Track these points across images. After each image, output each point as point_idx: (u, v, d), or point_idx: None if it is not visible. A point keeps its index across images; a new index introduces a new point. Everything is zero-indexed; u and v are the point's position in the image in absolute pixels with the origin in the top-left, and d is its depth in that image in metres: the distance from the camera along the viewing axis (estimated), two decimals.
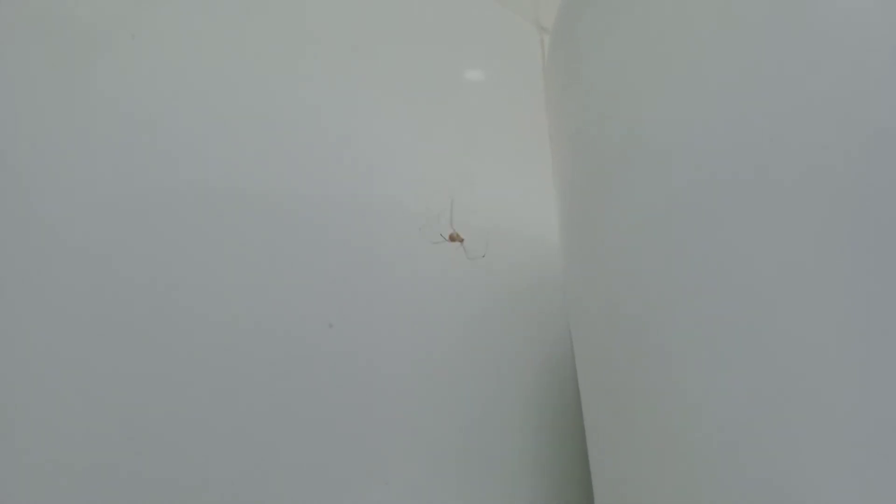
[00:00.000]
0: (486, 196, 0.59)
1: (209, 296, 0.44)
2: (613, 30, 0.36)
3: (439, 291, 0.55)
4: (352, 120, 0.55)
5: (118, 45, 0.45)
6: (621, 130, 0.35)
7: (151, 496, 0.39)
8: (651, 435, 0.33)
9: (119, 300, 0.41)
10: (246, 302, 0.45)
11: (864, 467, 0.24)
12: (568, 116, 0.42)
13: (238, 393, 0.44)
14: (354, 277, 0.51)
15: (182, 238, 0.44)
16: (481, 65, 0.69)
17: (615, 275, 0.36)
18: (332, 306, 0.49)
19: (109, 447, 0.39)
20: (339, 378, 0.48)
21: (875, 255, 0.24)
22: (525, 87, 0.69)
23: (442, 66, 0.64)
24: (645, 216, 0.33)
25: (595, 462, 0.42)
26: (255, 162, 0.48)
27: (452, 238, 0.55)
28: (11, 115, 0.40)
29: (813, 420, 0.25)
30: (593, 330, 0.40)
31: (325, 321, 0.48)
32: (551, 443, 0.57)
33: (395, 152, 0.56)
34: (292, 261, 0.48)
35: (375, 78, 0.57)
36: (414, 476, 0.49)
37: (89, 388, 0.39)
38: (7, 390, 0.37)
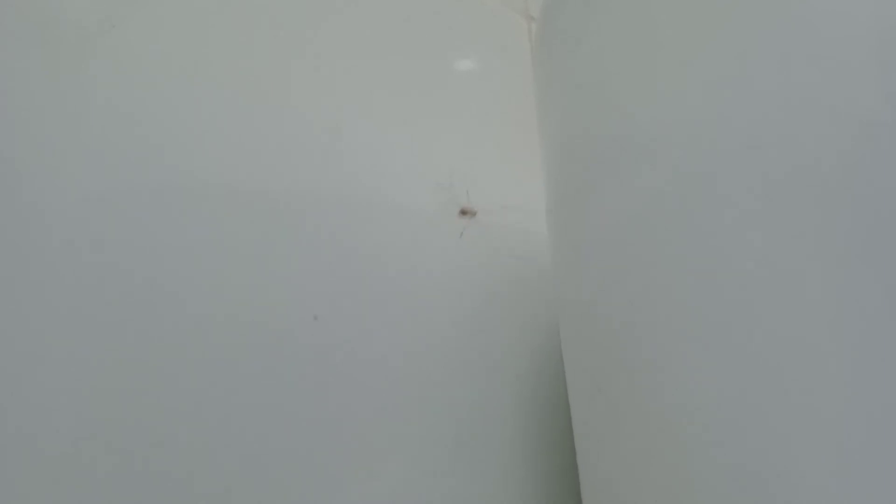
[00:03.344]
0: (473, 187, 0.59)
1: (195, 288, 0.44)
2: (597, 20, 0.36)
3: (426, 284, 0.55)
4: (338, 113, 0.54)
5: (110, 40, 0.44)
6: (607, 124, 0.35)
7: (136, 489, 0.39)
8: (638, 431, 0.33)
9: (105, 294, 0.41)
10: (231, 294, 0.45)
11: (855, 466, 0.24)
12: (554, 108, 0.41)
13: (223, 385, 0.43)
14: (340, 270, 0.50)
15: (169, 232, 0.44)
16: (468, 55, 0.69)
17: (602, 270, 0.36)
18: (317, 299, 0.48)
19: (94, 441, 0.38)
20: (324, 370, 0.48)
21: (864, 251, 0.24)
22: (513, 77, 0.68)
23: (428, 56, 0.64)
24: (631, 211, 0.33)
25: (582, 457, 0.42)
26: (242, 155, 0.48)
27: (464, 212, 0.54)
28: (5, 112, 0.40)
29: (802, 418, 0.25)
30: (580, 325, 0.39)
31: (310, 313, 0.48)
32: (540, 436, 0.57)
33: (381, 144, 0.56)
34: (277, 253, 0.48)
35: (362, 69, 0.57)
36: (401, 469, 0.49)
37: (73, 382, 0.39)
38: (1, 386, 0.37)
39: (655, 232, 0.32)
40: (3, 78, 0.40)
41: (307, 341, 0.47)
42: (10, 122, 0.40)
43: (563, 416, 0.57)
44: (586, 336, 0.39)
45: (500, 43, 0.72)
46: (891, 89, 0.23)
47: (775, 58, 0.26)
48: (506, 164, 0.63)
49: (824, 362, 0.25)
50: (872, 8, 0.24)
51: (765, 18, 0.27)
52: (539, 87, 0.45)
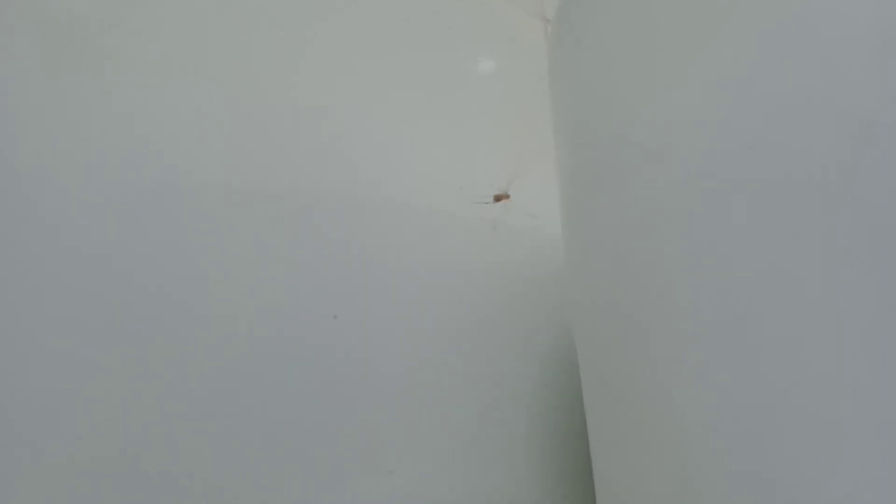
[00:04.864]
0: (490, 190, 0.59)
1: (215, 289, 0.44)
2: (607, 23, 0.35)
3: (443, 284, 0.55)
4: (355, 115, 0.54)
5: (112, 42, 0.44)
6: (619, 125, 0.34)
7: (156, 488, 0.39)
8: (649, 432, 0.33)
9: (122, 296, 0.41)
10: (252, 295, 0.46)
11: (856, 466, 0.24)
12: (568, 110, 0.41)
13: (244, 384, 0.44)
14: (359, 270, 0.51)
15: (187, 234, 0.44)
16: (485, 58, 0.69)
17: (608, 271, 0.36)
18: (336, 298, 0.49)
19: (114, 440, 0.39)
20: (343, 368, 0.48)
21: (864, 252, 0.24)
22: (530, 79, 0.68)
23: (444, 59, 0.64)
24: (642, 213, 0.33)
25: (596, 456, 0.42)
26: (259, 157, 0.48)
27: (498, 198, 0.54)
28: (6, 112, 0.40)
29: (802, 417, 0.25)
30: (590, 325, 0.39)
31: (330, 313, 0.48)
32: (554, 435, 0.57)
33: (397, 147, 0.56)
34: (297, 254, 0.48)
35: (377, 72, 0.57)
36: (418, 466, 0.50)
37: (91, 384, 0.39)
38: (2, 387, 0.37)
39: (654, 232, 0.32)
40: (3, 78, 0.40)
41: (327, 340, 0.48)
42: (10, 122, 0.40)
43: (577, 416, 0.57)
44: (595, 336, 0.39)
45: (516, 45, 0.72)
46: (891, 89, 0.23)
47: (775, 58, 0.26)
48: (523, 165, 0.63)
49: (824, 362, 0.25)
50: (872, 8, 0.24)
51: (765, 18, 0.27)
52: (553, 89, 0.45)
